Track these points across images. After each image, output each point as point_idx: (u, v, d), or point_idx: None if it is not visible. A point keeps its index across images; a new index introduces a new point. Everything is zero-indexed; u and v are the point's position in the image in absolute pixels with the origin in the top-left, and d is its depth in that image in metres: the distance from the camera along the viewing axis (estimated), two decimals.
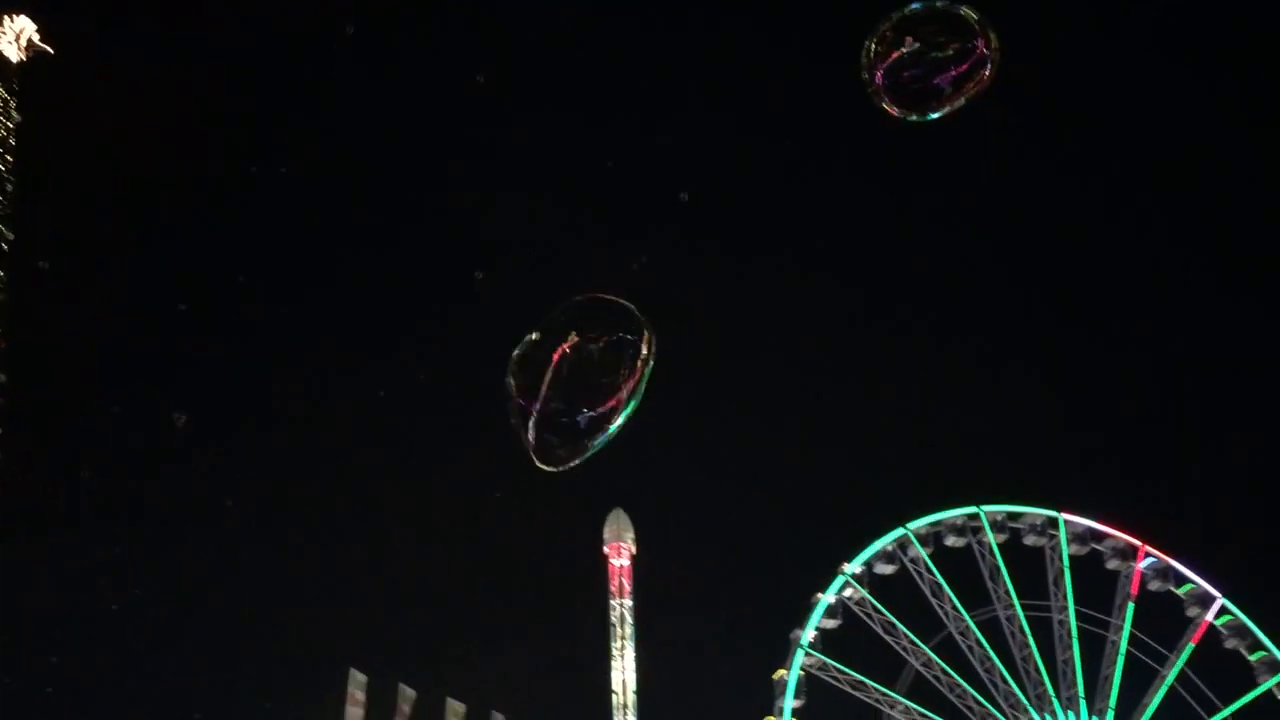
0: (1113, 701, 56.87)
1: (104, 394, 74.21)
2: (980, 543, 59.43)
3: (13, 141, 64.38)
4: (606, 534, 73.96)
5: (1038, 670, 57.03)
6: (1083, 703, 56.66)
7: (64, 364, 69.66)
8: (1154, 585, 58.98)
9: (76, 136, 67.01)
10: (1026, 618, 58.24)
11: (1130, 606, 58.72)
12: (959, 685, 56.45)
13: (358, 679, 57.60)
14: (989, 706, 56.16)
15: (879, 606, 57.77)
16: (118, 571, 67.89)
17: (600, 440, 11.85)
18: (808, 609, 57.10)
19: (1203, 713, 56.15)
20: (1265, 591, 60.37)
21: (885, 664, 57.15)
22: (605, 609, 72.41)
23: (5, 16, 65.43)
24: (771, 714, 54.49)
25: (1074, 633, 58.13)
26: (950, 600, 58.30)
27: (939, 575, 58.63)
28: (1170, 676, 57.07)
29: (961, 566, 59.23)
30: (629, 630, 71.47)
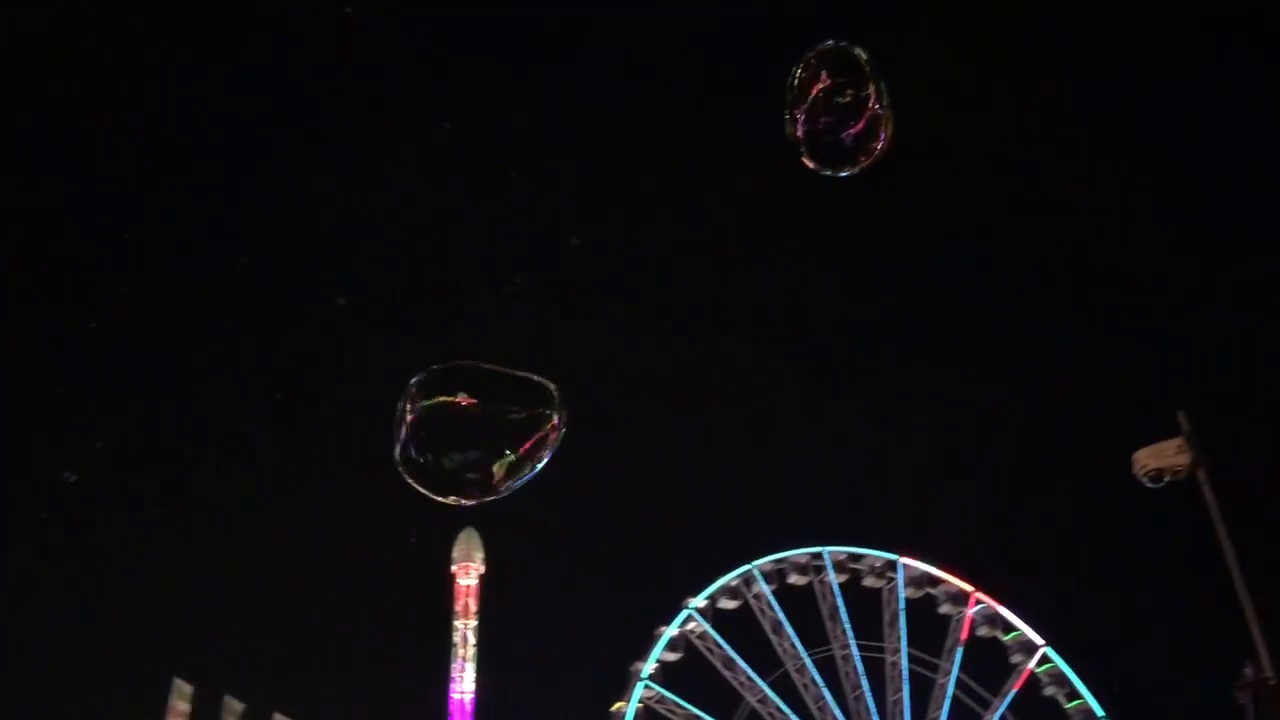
0: None
1: None
2: (822, 582, 60.85)
3: None
4: (456, 553, 73.41)
5: (868, 710, 58.64)
6: None
7: None
8: (982, 631, 61.18)
9: None
10: (861, 657, 59.90)
11: (959, 650, 60.86)
12: None
13: (182, 689, 55.81)
14: None
15: (720, 641, 58.67)
16: None
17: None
18: (650, 641, 57.66)
19: None
20: (1084, 642, 63.18)
21: (722, 699, 58.09)
22: (449, 627, 71.89)
23: None
24: None
25: (905, 674, 59.94)
26: (789, 637, 59.54)
27: (780, 612, 59.83)
28: None
29: (803, 605, 60.61)
30: (470, 651, 71.09)
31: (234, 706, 57.44)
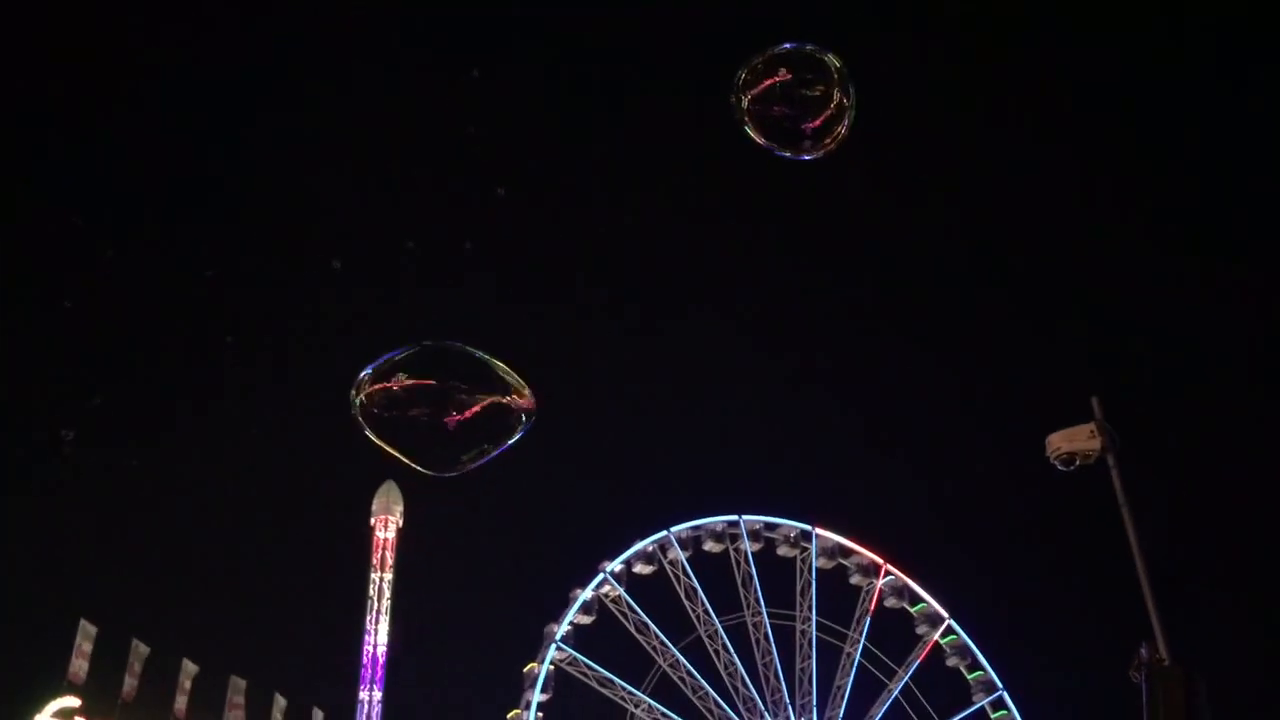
0: (842, 711, 60.11)
1: None
2: (737, 550, 61.59)
3: None
4: (375, 505, 72.88)
5: (777, 677, 59.70)
6: (815, 710, 59.69)
7: None
8: (890, 602, 62.52)
9: None
10: (772, 625, 60.89)
11: (867, 620, 62.17)
12: (702, 687, 58.51)
13: (88, 630, 54.83)
14: (727, 709, 58.48)
15: (634, 605, 59.20)
16: None
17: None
18: (565, 604, 57.98)
19: None
20: (987, 615, 64.85)
21: (635, 663, 58.71)
22: (366, 579, 71.50)
23: None
24: (518, 707, 55.15)
25: (813, 643, 61.11)
26: (703, 604, 60.26)
27: (694, 579, 60.47)
28: (896, 690, 60.80)
29: (717, 572, 61.33)
30: (385, 604, 70.79)
31: (140, 650, 56.62)
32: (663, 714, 57.63)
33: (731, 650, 59.74)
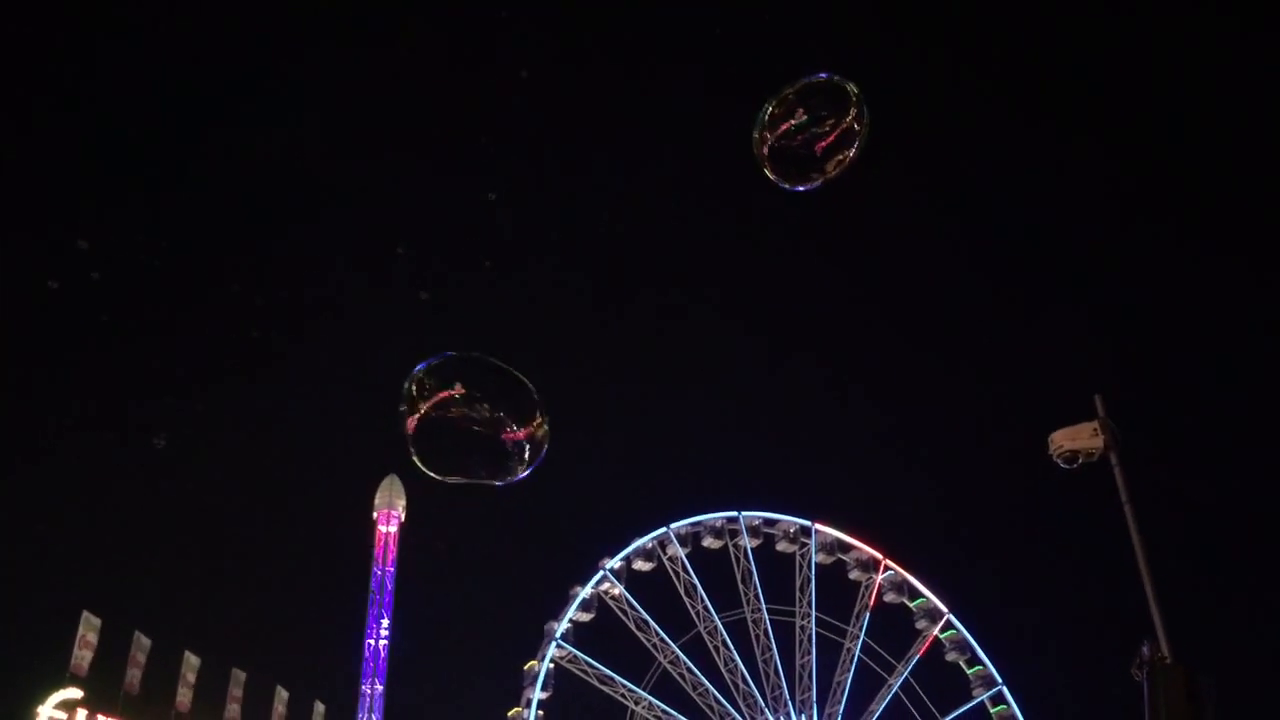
0: (842, 706, 60.17)
1: None
2: (736, 546, 61.60)
3: None
4: (378, 499, 72.87)
5: (777, 673, 59.73)
6: (815, 706, 59.74)
7: None
8: (890, 597, 62.61)
9: None
10: (772, 621, 60.92)
11: (867, 616, 62.22)
12: (702, 684, 58.56)
13: (91, 621, 54.89)
14: (728, 706, 58.51)
15: (633, 603, 59.21)
16: None
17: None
18: (565, 601, 57.99)
19: None
20: (987, 610, 64.95)
21: (635, 660, 58.74)
22: (369, 574, 71.53)
23: None
24: (519, 704, 55.17)
25: (813, 638, 61.17)
26: (702, 600, 60.29)
27: (694, 575, 60.50)
28: (896, 685, 60.88)
29: (716, 569, 61.39)
30: (387, 598, 70.79)
31: (143, 643, 56.64)
32: (663, 711, 57.65)
33: (731, 646, 59.80)
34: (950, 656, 61.85)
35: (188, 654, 57.20)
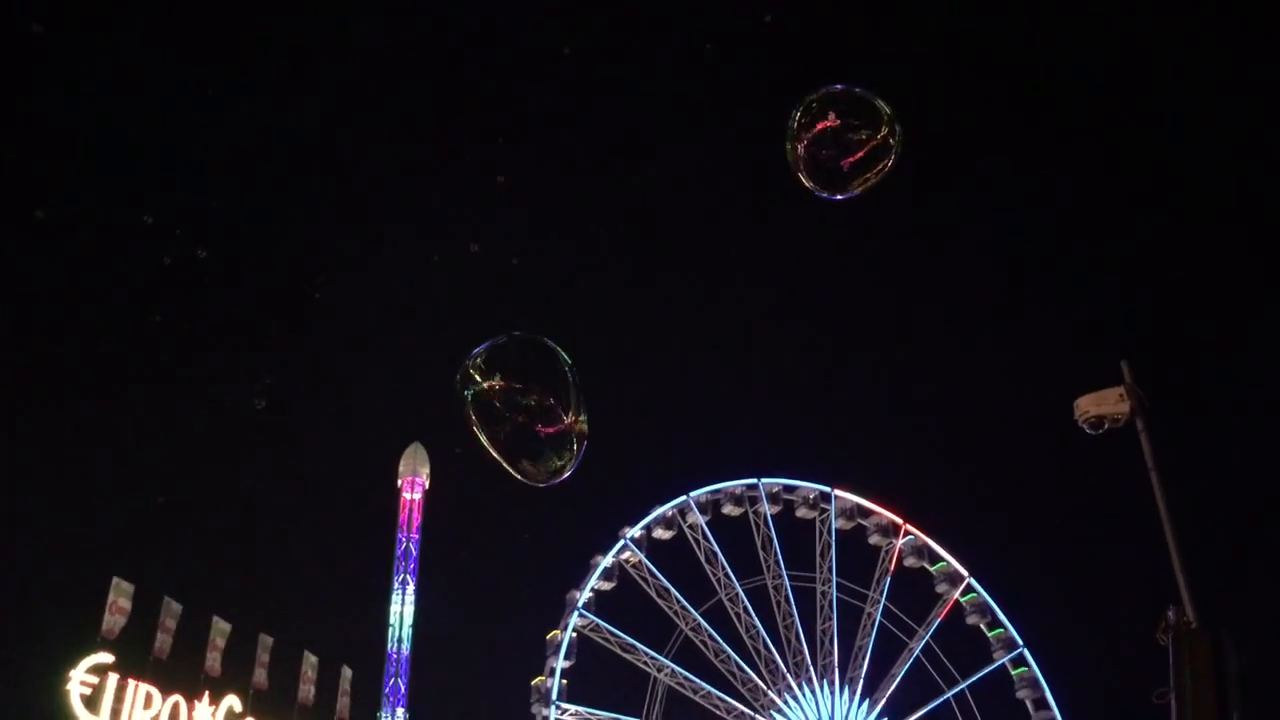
0: (864, 671, 60.49)
1: None
2: (756, 513, 61.76)
3: None
4: (402, 466, 73.19)
5: (798, 639, 60.02)
6: (836, 671, 60.07)
7: None
8: (910, 561, 62.78)
9: None
10: (793, 588, 61.17)
11: (887, 580, 62.40)
12: (724, 651, 58.89)
13: (122, 587, 55.56)
14: (750, 672, 58.88)
15: (654, 571, 59.47)
16: None
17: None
18: (586, 570, 58.31)
19: (943, 684, 60.57)
20: (1007, 573, 65.03)
21: (656, 628, 59.07)
22: (393, 541, 71.98)
23: None
24: (542, 673, 55.63)
25: (834, 604, 61.38)
26: (723, 567, 60.53)
27: (714, 543, 60.71)
28: (917, 649, 61.14)
29: (737, 536, 61.59)
30: (412, 565, 71.26)
31: (173, 608, 57.31)
32: (685, 678, 58.04)
33: (752, 613, 60.04)
34: (971, 620, 62.02)
35: (217, 619, 57.80)
